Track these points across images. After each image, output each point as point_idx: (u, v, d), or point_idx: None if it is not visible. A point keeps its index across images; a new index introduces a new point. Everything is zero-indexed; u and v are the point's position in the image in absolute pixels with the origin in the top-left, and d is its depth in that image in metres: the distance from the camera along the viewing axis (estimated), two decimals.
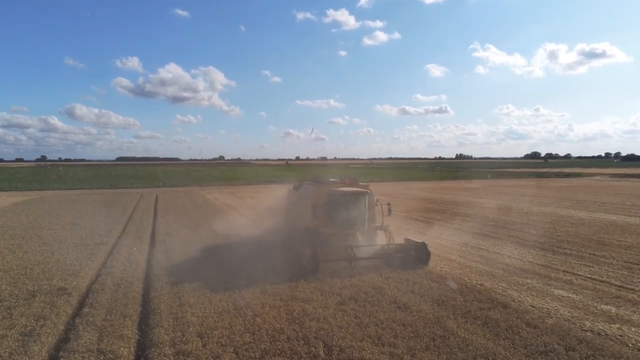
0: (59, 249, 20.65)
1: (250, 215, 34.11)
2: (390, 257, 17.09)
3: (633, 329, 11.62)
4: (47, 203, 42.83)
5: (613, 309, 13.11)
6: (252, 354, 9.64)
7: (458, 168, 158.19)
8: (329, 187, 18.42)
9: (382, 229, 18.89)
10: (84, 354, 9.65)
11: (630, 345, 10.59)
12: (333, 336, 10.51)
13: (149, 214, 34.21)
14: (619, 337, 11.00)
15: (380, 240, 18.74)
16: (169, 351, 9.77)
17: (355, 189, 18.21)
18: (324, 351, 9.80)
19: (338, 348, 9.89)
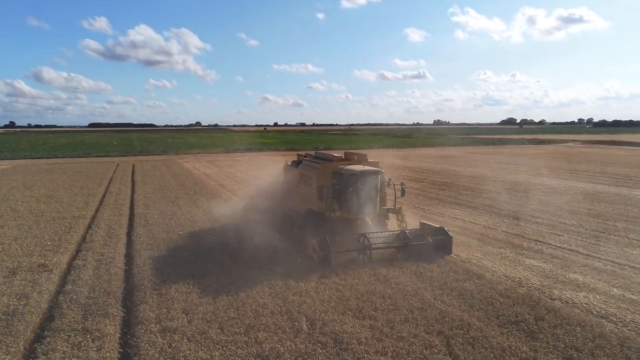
0: (36, 224, 20.40)
1: (230, 186, 34.04)
2: (409, 245, 15.16)
3: (598, 296, 12.31)
4: (20, 174, 41.79)
5: (580, 278, 13.79)
6: (237, 329, 9.91)
7: (436, 134, 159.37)
8: (337, 165, 16.33)
9: (394, 212, 17.14)
10: (69, 333, 9.77)
11: (595, 312, 11.24)
12: (315, 310, 10.85)
13: (127, 185, 33.81)
14: (585, 305, 11.65)
15: (392, 225, 17.15)
16: (155, 328, 9.96)
17: (366, 167, 16.07)
18: (307, 325, 10.13)
19: (321, 322, 10.23)
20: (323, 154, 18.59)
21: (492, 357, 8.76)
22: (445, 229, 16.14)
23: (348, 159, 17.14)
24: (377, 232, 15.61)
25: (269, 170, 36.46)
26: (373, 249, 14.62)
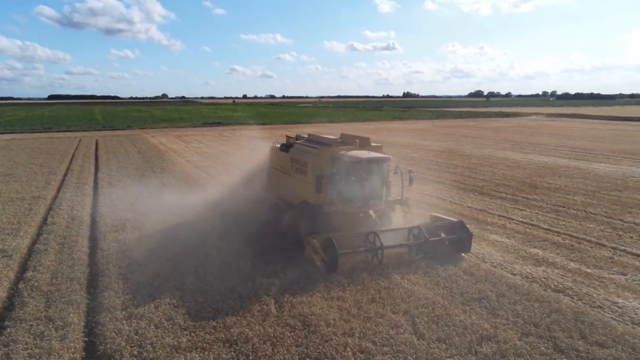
0: None
1: (198, 162, 33.47)
2: (426, 243, 13.32)
3: (556, 270, 12.87)
4: None
5: (540, 252, 14.35)
6: (205, 314, 9.89)
7: (405, 107, 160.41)
8: (337, 151, 14.24)
9: (401, 204, 15.35)
10: (31, 323, 9.52)
11: (553, 287, 11.75)
12: (284, 292, 10.92)
13: (90, 162, 32.77)
14: (544, 280, 12.15)
15: (397, 218, 15.32)
16: (120, 315, 9.82)
17: (373, 154, 13.94)
18: (275, 308, 10.20)
19: (289, 304, 10.32)
20: (317, 137, 16.36)
21: (455, 335, 9.06)
22: (463, 222, 14.44)
23: (347, 142, 15.01)
24: (387, 229, 13.82)
25: (239, 146, 36.06)
26: (386, 248, 12.68)
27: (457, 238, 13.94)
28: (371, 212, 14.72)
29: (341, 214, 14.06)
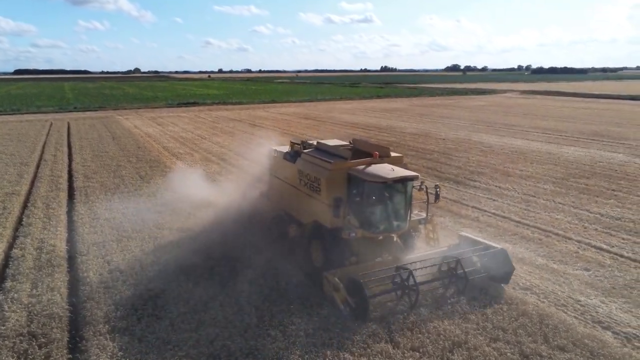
0: None
1: (174, 149, 33.10)
2: (463, 275, 11.48)
3: (524, 267, 13.45)
4: None
5: (510, 247, 14.85)
6: (188, 326, 10.09)
7: (383, 83, 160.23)
8: (354, 166, 12.22)
9: (425, 223, 13.48)
10: (14, 340, 9.55)
11: (520, 285, 12.33)
12: (264, 300, 11.19)
13: (63, 151, 32.03)
14: (513, 277, 12.63)
15: (421, 243, 13.72)
16: (103, 329, 9.93)
17: (398, 171, 11.94)
18: (256, 317, 10.47)
19: (269, 313, 10.61)
20: (327, 146, 13.88)
21: (429, 343, 9.52)
22: (499, 246, 12.70)
23: (365, 151, 13.11)
24: (416, 260, 12.18)
25: (216, 130, 35.56)
26: (419, 284, 10.92)
27: (497, 271, 12.12)
28: (394, 237, 13.02)
29: (360, 239, 12.31)
